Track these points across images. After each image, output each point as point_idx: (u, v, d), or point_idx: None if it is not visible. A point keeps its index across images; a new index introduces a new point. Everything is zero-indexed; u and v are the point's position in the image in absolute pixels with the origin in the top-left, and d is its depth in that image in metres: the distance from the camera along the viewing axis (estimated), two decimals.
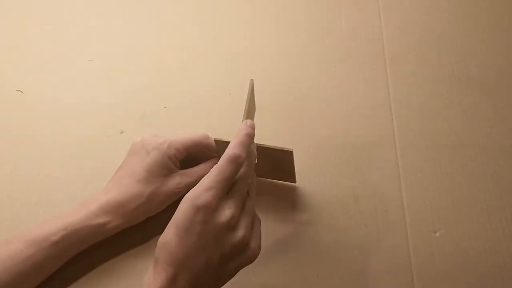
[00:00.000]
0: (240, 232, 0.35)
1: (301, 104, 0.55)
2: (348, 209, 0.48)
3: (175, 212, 0.36)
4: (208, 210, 0.34)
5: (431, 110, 0.54)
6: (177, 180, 0.44)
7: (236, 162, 0.35)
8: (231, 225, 0.35)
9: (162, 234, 0.36)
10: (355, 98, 0.55)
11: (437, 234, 0.46)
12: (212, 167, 0.45)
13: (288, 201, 0.48)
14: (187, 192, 0.43)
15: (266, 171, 0.43)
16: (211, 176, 0.35)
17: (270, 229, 0.47)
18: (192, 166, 0.47)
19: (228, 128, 0.51)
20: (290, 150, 0.42)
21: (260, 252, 0.39)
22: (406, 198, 0.48)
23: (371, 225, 0.47)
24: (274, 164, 0.45)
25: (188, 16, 0.63)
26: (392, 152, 0.51)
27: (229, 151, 0.36)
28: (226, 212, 0.35)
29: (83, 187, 0.49)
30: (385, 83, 0.56)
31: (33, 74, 0.58)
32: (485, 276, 0.44)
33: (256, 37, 0.61)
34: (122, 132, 0.53)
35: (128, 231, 0.45)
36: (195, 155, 0.48)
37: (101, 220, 0.42)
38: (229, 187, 0.36)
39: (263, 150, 0.42)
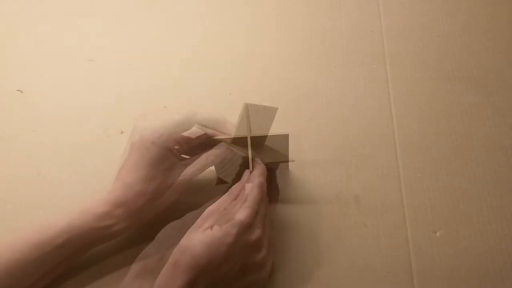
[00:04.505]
0: (263, 253, 0.39)
1: (301, 104, 0.55)
2: (348, 209, 0.48)
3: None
4: (242, 225, 0.38)
5: (431, 110, 0.54)
6: (180, 171, 0.43)
7: (263, 188, 0.41)
8: (259, 244, 0.39)
9: (186, 238, 0.39)
10: (355, 98, 0.55)
11: (437, 234, 0.46)
12: (213, 156, 0.46)
13: (288, 201, 0.48)
14: (190, 180, 0.44)
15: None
16: (249, 197, 0.40)
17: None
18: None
19: None
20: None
21: None
22: (406, 198, 0.48)
23: (371, 225, 0.47)
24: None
25: (188, 16, 0.63)
26: (392, 152, 0.51)
27: (257, 180, 0.42)
28: (256, 232, 0.39)
29: (83, 187, 0.49)
30: (385, 83, 0.56)
31: (33, 74, 0.58)
32: (485, 276, 0.44)
33: (256, 37, 0.61)
34: (122, 132, 0.53)
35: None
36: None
37: (106, 222, 0.41)
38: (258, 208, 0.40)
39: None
